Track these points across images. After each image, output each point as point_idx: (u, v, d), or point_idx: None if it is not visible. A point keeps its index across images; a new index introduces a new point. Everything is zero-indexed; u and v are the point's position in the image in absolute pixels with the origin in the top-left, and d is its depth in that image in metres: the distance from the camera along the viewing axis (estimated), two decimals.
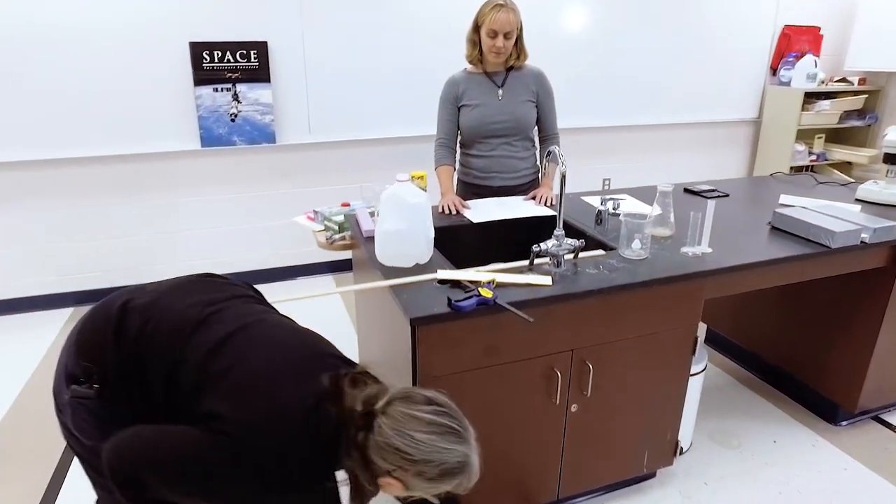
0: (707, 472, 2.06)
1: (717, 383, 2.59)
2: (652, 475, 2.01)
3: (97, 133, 3.11)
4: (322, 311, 3.24)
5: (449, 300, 1.38)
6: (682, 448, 2.08)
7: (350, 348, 2.72)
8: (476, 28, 2.23)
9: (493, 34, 2.15)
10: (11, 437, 2.24)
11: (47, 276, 3.30)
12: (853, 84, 4.55)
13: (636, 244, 1.69)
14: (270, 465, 1.02)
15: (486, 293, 1.39)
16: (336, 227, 2.18)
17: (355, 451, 1.03)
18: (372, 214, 2.04)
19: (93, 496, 1.91)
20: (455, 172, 2.41)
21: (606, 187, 4.41)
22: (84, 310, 2.78)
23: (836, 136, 4.75)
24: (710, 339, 2.91)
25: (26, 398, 2.50)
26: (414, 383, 1.45)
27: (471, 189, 2.41)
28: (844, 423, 2.30)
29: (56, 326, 3.14)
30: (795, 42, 4.53)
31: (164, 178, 3.32)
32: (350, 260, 3.81)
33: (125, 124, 3.14)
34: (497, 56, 2.21)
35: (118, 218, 3.32)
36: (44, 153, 3.06)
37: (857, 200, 2.36)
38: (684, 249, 1.77)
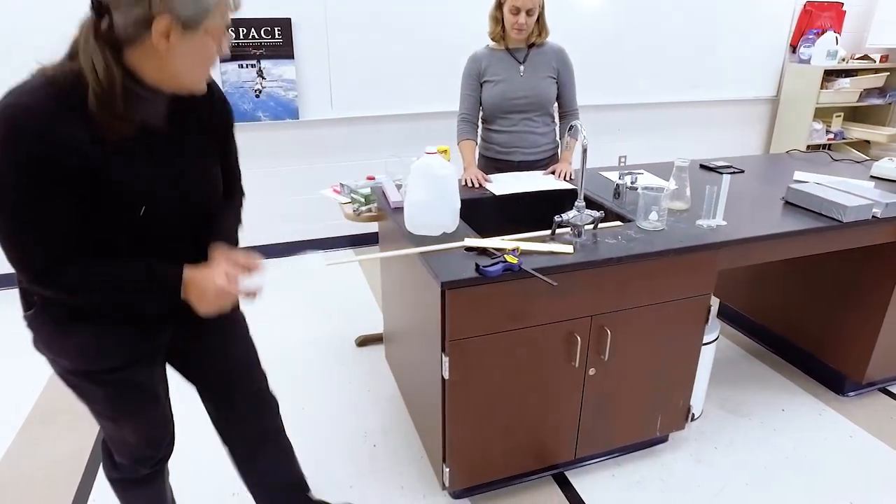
0: (717, 438, 2.15)
1: (728, 355, 2.67)
2: (664, 439, 2.10)
3: None
4: (344, 282, 3.34)
5: (477, 266, 1.47)
6: (693, 414, 2.17)
7: (373, 317, 2.83)
8: (499, 5, 2.28)
9: (516, 11, 2.20)
10: (56, 400, 2.38)
11: None
12: (875, 62, 4.52)
13: (653, 216, 1.76)
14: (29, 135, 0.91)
15: (512, 259, 1.48)
16: (362, 200, 2.26)
17: (98, 41, 0.93)
18: (398, 187, 2.12)
19: None
20: (477, 147, 2.48)
21: (622, 164, 4.45)
22: None
23: (855, 114, 4.74)
24: (723, 314, 2.98)
25: None
26: (442, 346, 1.54)
27: (492, 163, 2.47)
28: (852, 393, 2.38)
29: None
30: (817, 18, 4.49)
31: None
32: (369, 234, 3.91)
33: None
34: (519, 33, 2.26)
35: None
36: None
37: (872, 178, 2.40)
38: (699, 222, 1.83)
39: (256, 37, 3.25)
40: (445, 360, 1.55)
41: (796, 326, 2.55)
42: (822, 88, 4.33)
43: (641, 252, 1.61)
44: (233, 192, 1.30)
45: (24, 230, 0.96)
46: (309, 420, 2.24)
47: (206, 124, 1.17)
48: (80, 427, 2.19)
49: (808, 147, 4.50)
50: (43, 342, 1.16)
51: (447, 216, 1.70)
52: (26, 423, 2.22)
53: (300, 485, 1.61)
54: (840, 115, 4.59)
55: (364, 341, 2.73)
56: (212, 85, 1.16)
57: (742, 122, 4.71)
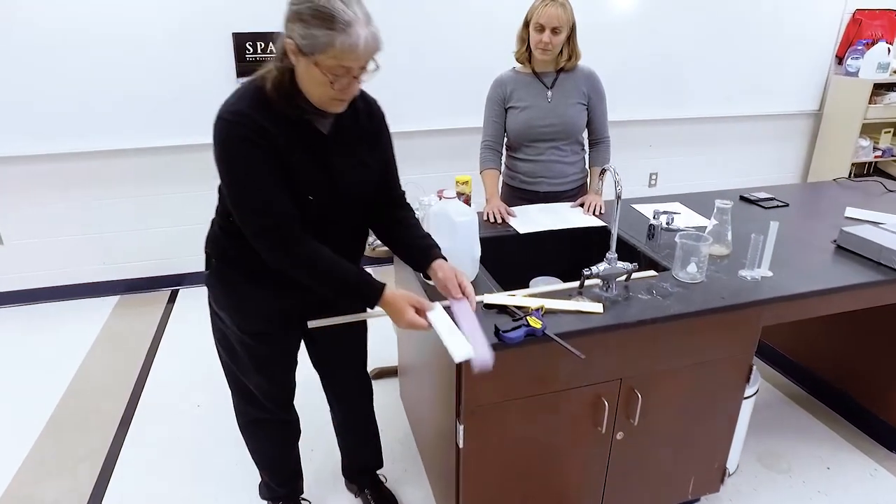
0: (754, 499, 1.98)
1: (766, 399, 2.49)
2: (696, 500, 1.95)
3: (142, 125, 3.15)
4: None
5: (497, 329, 1.33)
6: (728, 471, 2.01)
7: (391, 344, 2.71)
8: (526, 24, 2.14)
9: (540, 29, 2.06)
10: (71, 413, 2.35)
11: (96, 264, 3.39)
12: None
13: (692, 268, 1.61)
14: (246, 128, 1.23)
15: (535, 323, 1.34)
16: None
17: (278, 54, 1.26)
18: None
19: (149, 468, 2.08)
20: (500, 175, 2.34)
21: (653, 182, 4.25)
22: (131, 297, 2.99)
23: None
24: (761, 352, 2.79)
25: (83, 375, 2.63)
26: (457, 412, 1.42)
27: (516, 193, 2.33)
28: None
29: (105, 312, 3.23)
30: (867, 28, 4.23)
31: (208, 169, 3.33)
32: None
33: (170, 116, 3.17)
34: (543, 53, 2.11)
35: (164, 208, 3.37)
36: (92, 145, 3.11)
37: None
38: (742, 273, 1.67)
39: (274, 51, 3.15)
40: (460, 427, 1.42)
41: (844, 373, 2.36)
42: (870, 103, 4.08)
43: (678, 312, 1.46)
44: (395, 194, 1.53)
45: (246, 193, 1.27)
46: (317, 462, 2.13)
47: (366, 136, 1.41)
48: (94, 442, 2.13)
49: (854, 165, 4.25)
50: (213, 298, 1.49)
51: (466, 265, 1.57)
52: (37, 442, 2.17)
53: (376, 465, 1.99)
54: (889, 132, 4.32)
55: (380, 374, 2.62)
56: (371, 103, 1.44)
57: (782, 138, 4.47)
